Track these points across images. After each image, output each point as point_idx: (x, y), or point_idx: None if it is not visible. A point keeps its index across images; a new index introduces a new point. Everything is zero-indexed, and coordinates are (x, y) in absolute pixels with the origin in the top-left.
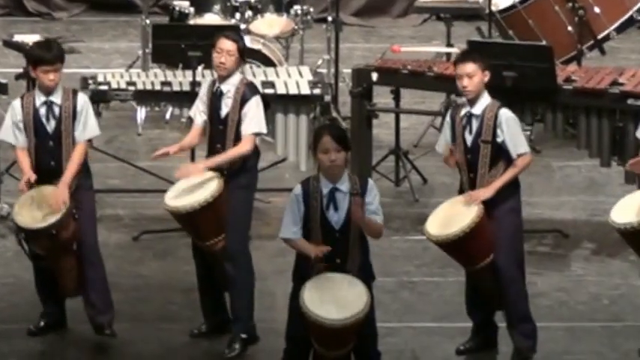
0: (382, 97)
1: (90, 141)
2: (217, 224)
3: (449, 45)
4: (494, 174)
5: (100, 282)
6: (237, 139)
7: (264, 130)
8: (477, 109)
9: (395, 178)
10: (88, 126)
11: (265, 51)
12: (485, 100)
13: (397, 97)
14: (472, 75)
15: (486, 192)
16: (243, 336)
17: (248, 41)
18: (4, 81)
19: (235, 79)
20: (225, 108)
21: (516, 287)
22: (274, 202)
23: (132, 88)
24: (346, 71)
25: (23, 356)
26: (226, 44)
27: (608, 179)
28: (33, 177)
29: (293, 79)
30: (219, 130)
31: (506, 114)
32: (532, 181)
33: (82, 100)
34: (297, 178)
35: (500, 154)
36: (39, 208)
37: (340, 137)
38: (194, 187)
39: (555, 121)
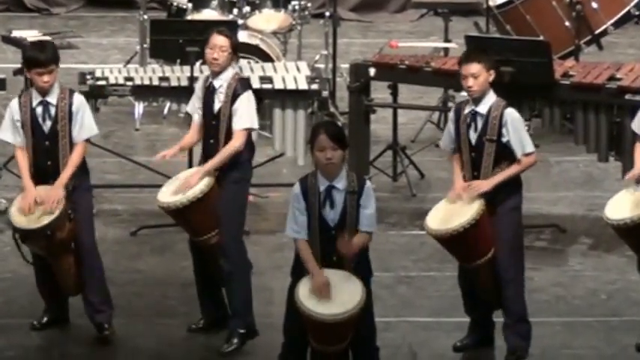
0: (380, 92)
1: (88, 140)
2: (210, 219)
3: (446, 40)
4: (497, 172)
5: (97, 282)
6: (230, 133)
7: (256, 126)
8: (482, 108)
9: (392, 173)
10: (84, 126)
11: (263, 46)
12: (491, 98)
13: (395, 93)
14: (477, 75)
15: (486, 184)
16: (242, 331)
17: (245, 37)
18: (2, 76)
19: (228, 74)
20: (218, 103)
21: (515, 287)
22: (272, 198)
23: (130, 83)
24: (344, 66)
25: (21, 350)
26: (219, 40)
27: (605, 174)
28: (34, 193)
29: (291, 75)
30: (212, 125)
31: (512, 114)
32: (529, 176)
33: (78, 100)
34: (295, 173)
35: (504, 153)
36: (35, 209)
37: (337, 135)
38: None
39: (553, 116)
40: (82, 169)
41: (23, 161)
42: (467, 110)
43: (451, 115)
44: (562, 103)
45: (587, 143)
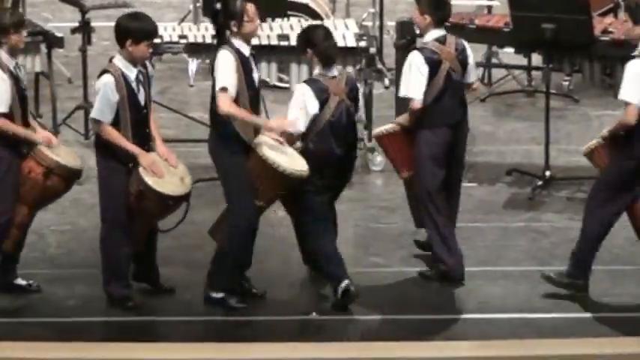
0: None
1: None
2: None
3: None
4: None
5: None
6: None
7: None
8: None
9: None
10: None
11: (313, 5)
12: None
13: None
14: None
15: None
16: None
17: None
18: (60, 35)
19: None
20: (256, 73)
21: None
22: None
23: (183, 41)
24: (390, 24)
25: (82, 300)
26: (254, 8)
27: None
28: (154, 156)
29: (339, 32)
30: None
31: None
32: (570, 130)
33: (150, 65)
34: None
35: None
36: (169, 175)
37: None
38: (289, 153)
39: (593, 71)
40: None
41: (116, 132)
42: None
43: None
44: (601, 59)
45: None
